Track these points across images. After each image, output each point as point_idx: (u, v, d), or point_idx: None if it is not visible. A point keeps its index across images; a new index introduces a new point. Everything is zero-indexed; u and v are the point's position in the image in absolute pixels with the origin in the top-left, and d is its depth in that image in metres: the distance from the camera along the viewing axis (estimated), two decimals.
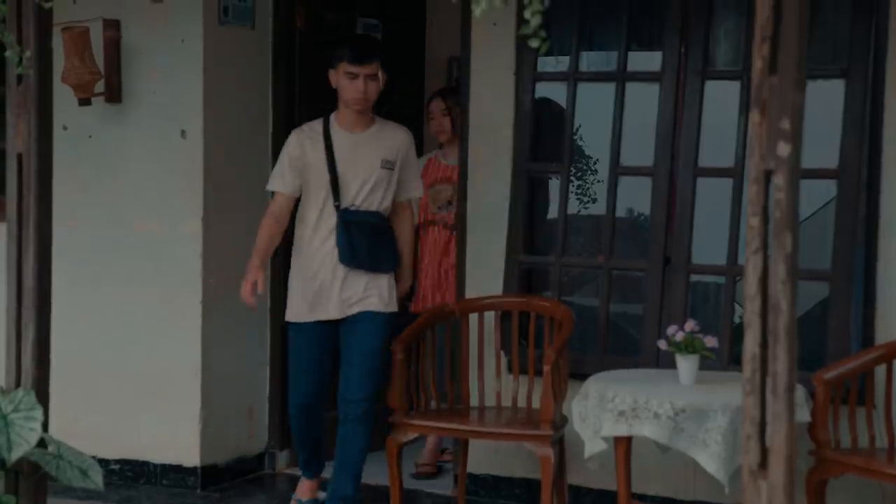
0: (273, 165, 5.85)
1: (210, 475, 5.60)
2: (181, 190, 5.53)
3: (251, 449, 5.84)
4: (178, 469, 5.58)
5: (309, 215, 4.90)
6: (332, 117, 4.93)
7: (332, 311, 4.87)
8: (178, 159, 5.53)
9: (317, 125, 4.95)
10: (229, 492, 5.57)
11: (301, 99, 5.84)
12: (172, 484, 5.58)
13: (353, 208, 4.85)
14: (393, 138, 4.95)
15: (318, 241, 4.88)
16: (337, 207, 4.83)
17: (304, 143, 4.89)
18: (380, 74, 4.86)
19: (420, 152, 6.15)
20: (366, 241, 4.83)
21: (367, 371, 4.81)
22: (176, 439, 5.57)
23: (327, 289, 4.86)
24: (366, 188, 4.87)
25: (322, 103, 5.91)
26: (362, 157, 4.89)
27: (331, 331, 4.89)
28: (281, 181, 4.93)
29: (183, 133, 5.52)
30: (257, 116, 5.77)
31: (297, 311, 4.92)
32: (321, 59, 5.87)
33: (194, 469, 5.56)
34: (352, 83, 4.80)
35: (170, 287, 5.54)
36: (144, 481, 5.63)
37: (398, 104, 6.25)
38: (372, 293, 4.86)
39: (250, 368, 5.79)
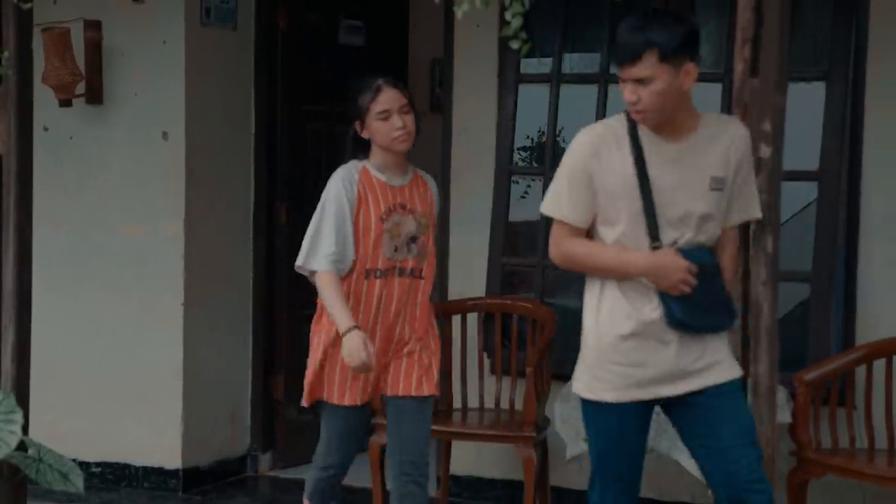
0: (255, 166, 5.84)
1: (192, 478, 5.58)
2: (163, 192, 5.50)
3: (234, 451, 5.82)
4: (159, 472, 5.56)
5: None
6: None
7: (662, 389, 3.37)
8: (160, 161, 5.50)
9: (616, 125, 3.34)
10: (211, 494, 5.56)
11: (284, 100, 5.82)
12: (154, 486, 5.56)
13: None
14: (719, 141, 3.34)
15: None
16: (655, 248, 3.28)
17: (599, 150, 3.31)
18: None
19: None
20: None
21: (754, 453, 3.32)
22: (158, 442, 5.54)
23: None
24: (694, 219, 3.31)
25: (305, 105, 5.91)
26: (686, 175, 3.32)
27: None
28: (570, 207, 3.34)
29: (165, 135, 5.49)
30: (240, 118, 5.75)
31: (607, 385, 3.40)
32: (304, 59, 5.87)
33: (176, 471, 5.53)
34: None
35: (151, 289, 5.52)
36: (126, 484, 5.60)
37: None
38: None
39: (233, 371, 5.78)
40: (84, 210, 5.64)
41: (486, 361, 5.19)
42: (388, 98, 3.90)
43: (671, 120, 3.24)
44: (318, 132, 5.99)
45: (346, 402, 3.93)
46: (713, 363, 3.31)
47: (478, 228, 5.34)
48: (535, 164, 5.44)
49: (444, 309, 5.18)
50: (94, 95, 5.52)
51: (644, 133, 3.26)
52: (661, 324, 3.25)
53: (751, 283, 3.46)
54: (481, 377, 5.09)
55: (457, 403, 5.13)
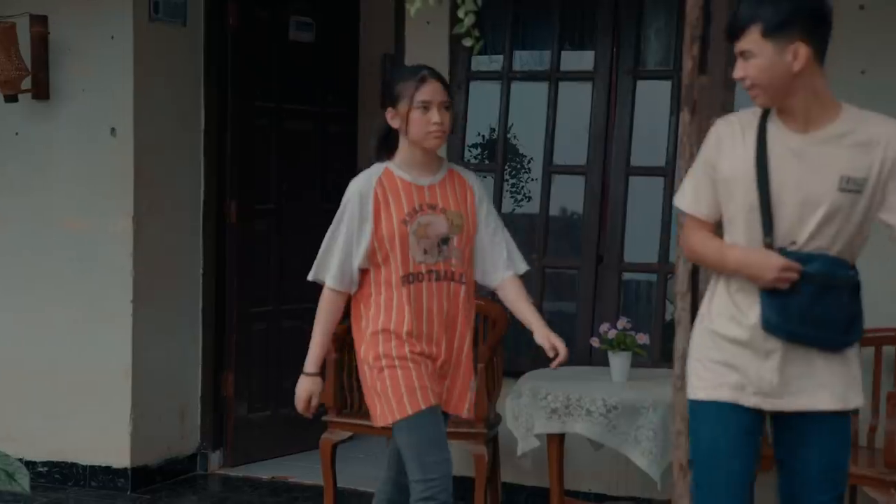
0: (205, 163, 5.80)
1: (141, 476, 5.53)
2: (111, 188, 5.45)
3: (183, 449, 5.78)
4: (107, 471, 5.51)
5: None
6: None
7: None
8: (108, 157, 5.45)
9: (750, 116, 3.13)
10: (160, 493, 5.51)
11: (234, 97, 5.79)
12: (102, 486, 5.50)
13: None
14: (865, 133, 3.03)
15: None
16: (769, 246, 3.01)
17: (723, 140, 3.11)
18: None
19: (353, 167, 6.11)
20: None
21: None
22: (106, 440, 5.49)
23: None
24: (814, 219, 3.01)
25: (256, 101, 5.88)
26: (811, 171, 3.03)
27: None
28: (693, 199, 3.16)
29: (113, 131, 5.44)
30: (189, 115, 5.71)
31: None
32: (253, 56, 5.84)
33: (124, 470, 5.48)
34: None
35: (100, 287, 5.47)
36: (73, 483, 5.55)
37: (332, 103, 6.23)
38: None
39: (182, 368, 5.73)
40: (31, 207, 5.57)
41: None
42: (432, 90, 3.61)
43: (801, 109, 2.97)
44: (269, 129, 5.96)
45: (423, 405, 3.55)
46: (821, 386, 3.01)
47: None
48: (486, 161, 5.45)
49: None
50: (41, 91, 5.45)
51: (774, 123, 3.01)
52: (763, 331, 2.98)
53: (699, 280, 3.48)
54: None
55: None
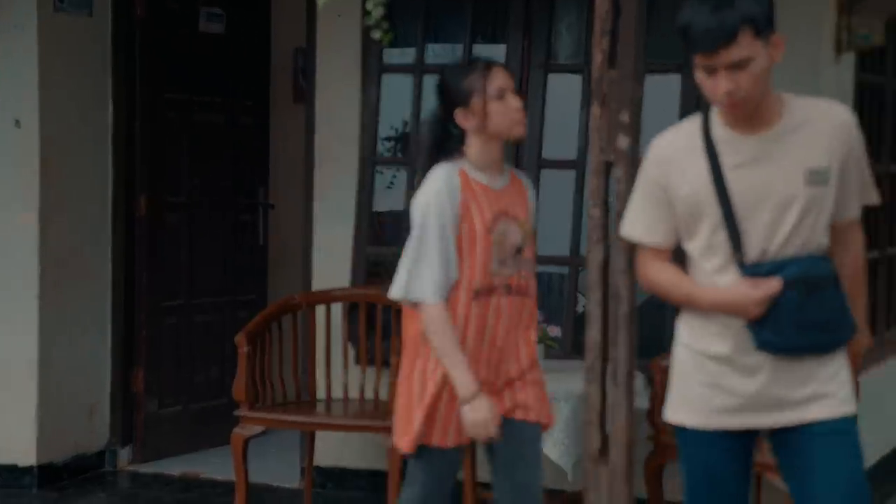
0: (113, 156, 5.71)
1: (48, 474, 5.43)
2: (16, 181, 5.34)
3: (91, 446, 5.69)
4: (12, 469, 5.40)
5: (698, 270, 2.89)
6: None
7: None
8: (13, 150, 5.34)
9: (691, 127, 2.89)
10: (68, 490, 5.42)
11: (143, 89, 5.70)
12: (6, 484, 5.39)
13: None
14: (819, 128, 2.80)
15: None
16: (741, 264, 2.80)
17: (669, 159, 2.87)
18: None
19: (266, 160, 6.05)
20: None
21: None
22: (10, 438, 5.38)
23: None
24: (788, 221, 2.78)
25: (165, 94, 5.80)
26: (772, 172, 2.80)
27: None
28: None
29: (17, 122, 5.34)
30: (96, 106, 5.61)
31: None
32: (163, 47, 5.76)
33: (30, 468, 5.38)
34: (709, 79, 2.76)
35: (4, 281, 5.36)
36: None
37: (244, 96, 6.17)
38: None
39: (92, 364, 5.64)
40: None
41: (351, 352, 5.18)
42: (502, 75, 3.31)
43: (752, 109, 2.69)
44: (179, 121, 5.89)
45: (450, 443, 3.32)
46: (819, 395, 2.75)
47: (342, 219, 5.32)
48: (399, 154, 5.45)
49: (308, 299, 5.15)
50: None
51: (718, 131, 2.74)
52: (751, 345, 2.74)
53: (610, 272, 3.52)
54: (346, 368, 5.08)
55: (321, 394, 5.10)
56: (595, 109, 3.50)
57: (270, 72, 6.42)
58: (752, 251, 2.73)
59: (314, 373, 5.09)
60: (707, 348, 2.82)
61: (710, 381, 2.81)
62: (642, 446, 4.26)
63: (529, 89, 5.12)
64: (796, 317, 2.70)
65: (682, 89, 4.86)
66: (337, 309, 5.17)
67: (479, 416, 3.21)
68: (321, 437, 5.14)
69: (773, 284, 2.68)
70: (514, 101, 3.29)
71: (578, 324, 4.83)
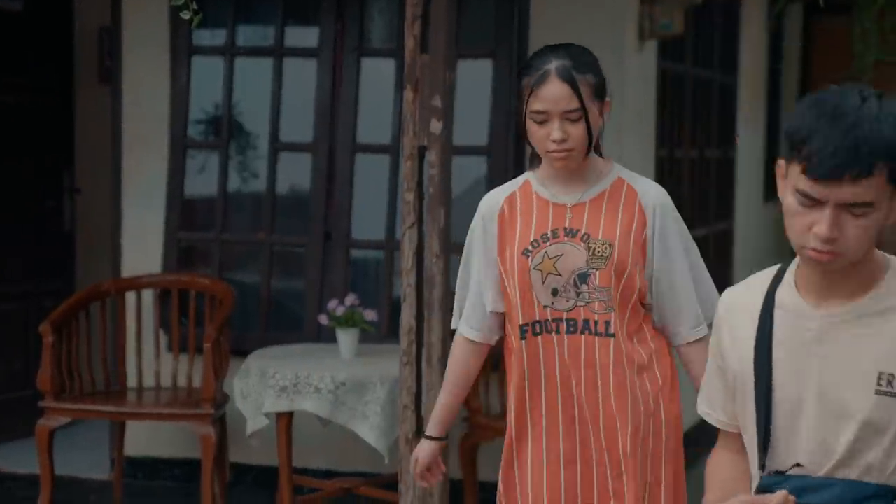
0: None
1: None
2: None
3: None
4: None
5: None
6: None
7: None
8: None
9: None
10: None
11: None
12: None
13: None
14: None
15: None
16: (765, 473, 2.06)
17: None
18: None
19: (70, 142, 5.85)
20: None
21: None
22: None
23: None
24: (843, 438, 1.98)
25: None
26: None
27: None
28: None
29: None
30: None
31: None
32: None
33: None
34: None
35: None
36: None
37: (45, 77, 5.94)
38: None
39: None
40: None
41: (164, 339, 5.08)
42: (552, 95, 2.62)
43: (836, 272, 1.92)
44: None
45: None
46: None
47: (153, 203, 5.20)
48: (211, 138, 5.35)
49: (118, 286, 5.02)
50: None
51: (786, 293, 1.99)
52: None
53: (424, 256, 3.55)
54: (158, 355, 4.98)
55: (132, 382, 4.99)
56: (408, 94, 3.52)
57: (74, 51, 6.21)
58: (784, 458, 1.97)
59: (124, 361, 4.97)
60: None
61: None
62: (457, 427, 4.32)
63: (344, 72, 5.11)
64: None
65: (493, 74, 4.92)
66: (148, 295, 5.06)
67: (418, 454, 2.86)
68: (132, 426, 5.03)
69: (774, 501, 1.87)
70: (557, 132, 2.61)
71: (395, 307, 4.86)
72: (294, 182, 5.34)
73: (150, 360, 5.02)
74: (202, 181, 5.35)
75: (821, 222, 1.84)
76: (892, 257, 1.98)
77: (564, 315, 2.66)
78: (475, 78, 4.89)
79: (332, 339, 4.66)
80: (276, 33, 5.19)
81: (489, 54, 4.94)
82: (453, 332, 2.91)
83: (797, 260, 1.97)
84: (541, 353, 2.67)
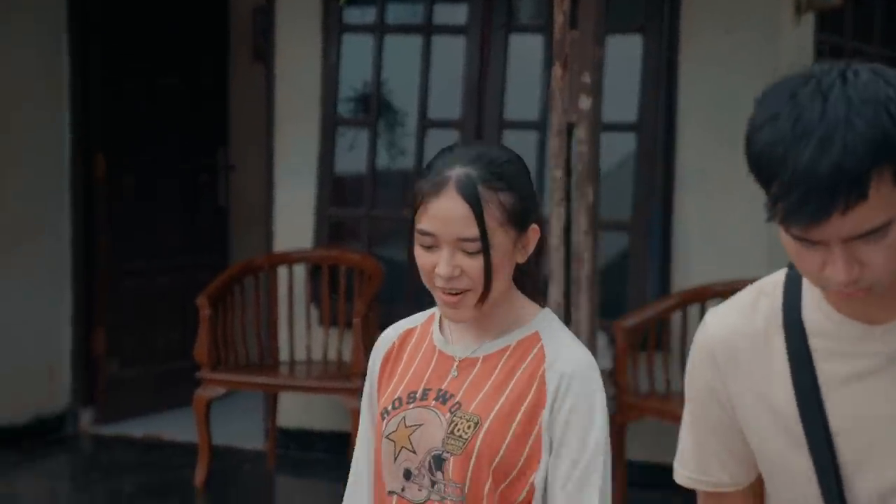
0: (70, 115, 5.64)
1: (8, 437, 5.40)
2: None
3: (53, 408, 5.66)
4: None
5: None
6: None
7: None
8: None
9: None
10: (29, 453, 5.40)
11: (96, 47, 5.63)
12: None
13: None
14: None
15: None
16: None
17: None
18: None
19: (225, 122, 5.99)
20: None
21: None
22: None
23: None
24: None
25: (122, 55, 5.73)
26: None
27: None
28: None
29: None
30: (52, 63, 5.54)
31: None
32: (121, 8, 5.68)
33: None
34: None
35: None
36: None
37: (193, 61, 6.09)
38: None
39: (50, 326, 5.60)
40: None
41: (314, 313, 5.18)
42: (444, 213, 1.85)
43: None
44: (136, 80, 5.82)
45: None
46: None
47: (304, 180, 5.29)
48: (361, 115, 5.42)
49: (271, 261, 5.13)
50: None
51: (814, 314, 1.56)
52: None
53: (572, 233, 3.53)
54: (309, 329, 5.08)
55: (284, 356, 5.10)
56: (556, 70, 3.50)
57: (229, 31, 6.36)
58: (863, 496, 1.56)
59: (276, 334, 5.08)
60: None
61: None
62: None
63: (491, 49, 5.11)
64: None
65: (643, 50, 4.86)
66: (299, 270, 5.16)
67: None
68: (285, 398, 5.15)
69: None
70: (443, 265, 1.83)
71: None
72: None
73: (301, 333, 5.13)
74: (352, 158, 5.42)
75: (832, 263, 1.42)
76: None
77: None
78: (625, 54, 4.83)
79: None
80: (425, 10, 5.22)
81: (639, 29, 4.87)
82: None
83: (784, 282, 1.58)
84: None
